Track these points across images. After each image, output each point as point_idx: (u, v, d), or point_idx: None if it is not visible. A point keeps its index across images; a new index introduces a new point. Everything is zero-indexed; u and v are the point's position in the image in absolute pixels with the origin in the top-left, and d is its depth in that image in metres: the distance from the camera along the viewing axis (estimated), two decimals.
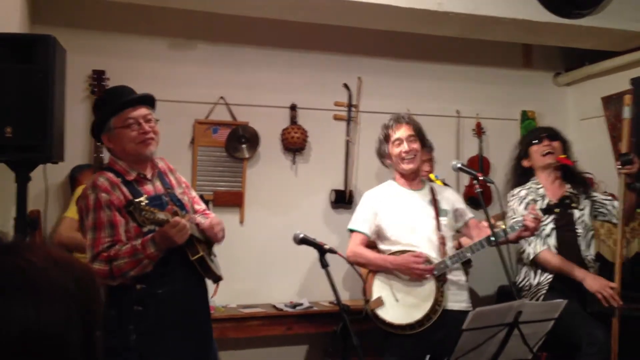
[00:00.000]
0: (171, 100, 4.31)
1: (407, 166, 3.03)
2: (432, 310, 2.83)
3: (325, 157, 4.74)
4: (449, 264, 2.93)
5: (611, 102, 4.78)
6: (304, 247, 2.58)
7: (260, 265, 4.51)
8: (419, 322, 2.82)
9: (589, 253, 3.34)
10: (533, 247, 3.29)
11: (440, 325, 2.82)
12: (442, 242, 2.98)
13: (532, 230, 2.89)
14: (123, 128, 2.49)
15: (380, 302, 2.88)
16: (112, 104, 2.53)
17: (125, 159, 2.54)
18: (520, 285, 3.33)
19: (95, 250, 2.37)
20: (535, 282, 3.28)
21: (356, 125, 4.78)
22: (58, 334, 0.60)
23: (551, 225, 3.31)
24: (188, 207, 2.69)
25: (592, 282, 3.14)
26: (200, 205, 2.85)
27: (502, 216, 3.33)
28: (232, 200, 4.48)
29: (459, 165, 2.90)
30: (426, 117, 4.69)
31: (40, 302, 0.60)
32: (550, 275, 3.25)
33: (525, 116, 5.23)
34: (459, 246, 3.32)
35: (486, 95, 5.16)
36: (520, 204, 3.37)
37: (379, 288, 2.92)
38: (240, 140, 4.44)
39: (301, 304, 4.29)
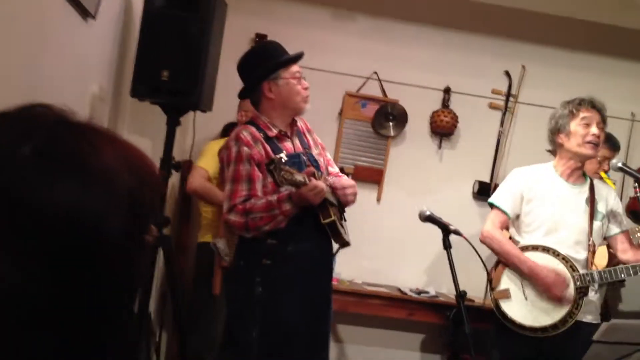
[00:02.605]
0: (325, 70, 4.35)
1: (588, 151, 2.65)
2: (563, 321, 2.56)
3: (474, 146, 4.52)
4: (597, 278, 2.61)
5: None
6: (439, 234, 2.49)
7: (392, 247, 4.43)
8: (544, 329, 2.57)
9: None
10: None
11: (564, 334, 2.56)
12: (592, 250, 2.67)
13: None
14: (293, 80, 2.57)
15: (506, 294, 2.63)
16: (276, 56, 2.61)
17: (274, 113, 2.60)
18: None
19: (232, 202, 2.45)
20: None
21: (512, 116, 4.50)
22: (99, 218, 0.58)
23: None
24: (323, 168, 2.70)
25: None
26: (334, 168, 2.86)
27: None
28: (372, 176, 4.43)
29: (620, 164, 2.60)
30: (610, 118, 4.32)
31: (89, 186, 0.58)
32: None
33: None
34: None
35: None
36: None
37: (509, 279, 2.66)
38: (388, 118, 4.37)
39: (427, 292, 4.16)
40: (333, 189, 2.62)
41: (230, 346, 2.55)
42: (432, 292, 4.15)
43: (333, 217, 2.49)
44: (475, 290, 3.66)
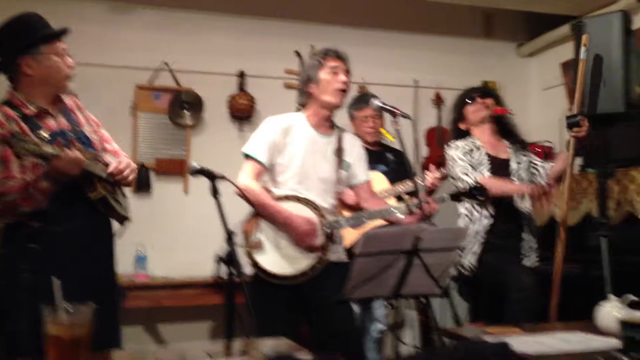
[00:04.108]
0: (111, 66, 4.20)
1: (336, 99, 2.67)
2: (312, 267, 2.57)
3: None
4: (343, 224, 2.67)
5: (570, 68, 4.61)
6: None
7: (205, 236, 4.33)
8: (294, 277, 2.56)
9: (524, 205, 3.18)
10: (473, 176, 3.11)
11: (320, 277, 2.58)
12: (338, 197, 2.77)
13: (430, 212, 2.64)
14: (56, 55, 2.42)
15: (259, 244, 2.58)
16: (36, 30, 2.44)
17: (33, 90, 2.42)
18: None
19: None
20: (472, 230, 3.11)
21: None
22: None
23: (487, 174, 3.15)
24: (97, 146, 2.57)
25: (527, 187, 3.05)
26: (112, 146, 2.73)
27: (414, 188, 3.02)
28: (175, 168, 4.34)
29: (377, 102, 2.72)
30: (382, 86, 4.58)
31: None
32: (488, 222, 3.10)
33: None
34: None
35: (446, 65, 5.02)
36: (457, 151, 3.22)
37: (262, 230, 2.60)
38: (183, 106, 4.31)
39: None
40: (109, 169, 2.50)
41: None
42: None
43: (102, 192, 2.38)
44: None
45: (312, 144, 2.71)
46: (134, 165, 2.64)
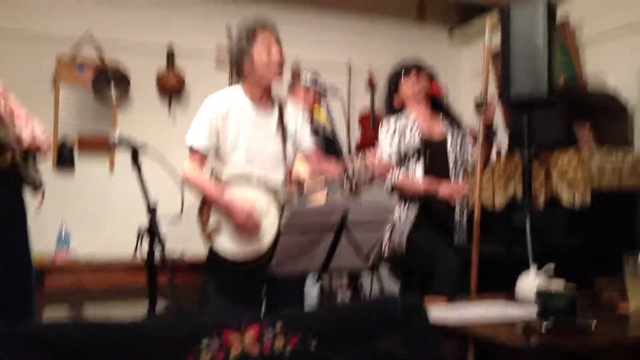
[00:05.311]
0: (29, 32, 3.98)
1: (273, 76, 2.63)
2: (265, 252, 2.51)
3: None
4: (297, 199, 2.66)
5: (499, 56, 4.72)
6: (178, 196, 2.36)
7: (132, 214, 4.19)
8: (245, 262, 2.52)
9: None
10: (393, 177, 3.14)
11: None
12: (288, 170, 2.73)
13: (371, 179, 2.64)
14: None
15: (216, 229, 2.55)
16: None
17: None
18: None
19: None
20: (403, 212, 3.14)
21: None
22: None
23: (417, 163, 3.17)
24: (3, 113, 2.43)
25: (444, 188, 3.07)
26: (20, 113, 2.59)
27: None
28: (100, 145, 4.17)
29: (308, 76, 2.69)
30: (315, 66, 4.54)
31: None
32: (415, 208, 3.13)
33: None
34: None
35: (379, 48, 5.03)
36: (387, 134, 3.22)
37: (217, 215, 2.56)
38: (109, 82, 4.13)
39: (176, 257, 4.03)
40: (18, 137, 2.39)
41: None
42: (181, 254, 4.06)
43: (7, 160, 2.27)
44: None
45: (254, 122, 2.66)
46: (46, 133, 2.55)
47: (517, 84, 3.03)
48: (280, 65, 2.66)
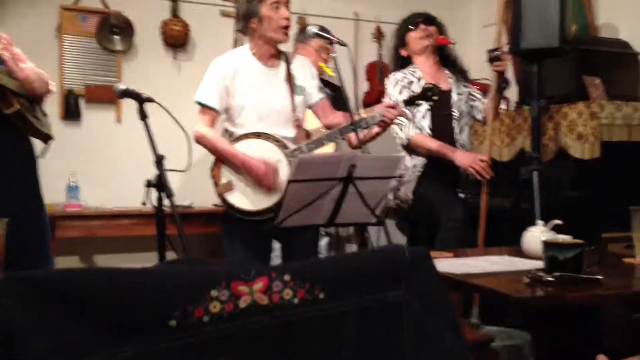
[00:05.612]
0: None
1: (281, 37, 2.62)
2: (278, 204, 2.49)
3: (212, 56, 4.39)
4: (305, 150, 2.62)
5: (509, 6, 4.61)
6: (185, 148, 2.36)
7: (139, 166, 4.21)
8: (260, 212, 2.54)
9: (461, 137, 3.23)
10: (406, 132, 3.13)
11: None
12: (298, 125, 2.73)
13: (386, 125, 2.65)
14: None
15: (229, 186, 2.57)
16: None
17: None
18: None
19: None
20: (410, 164, 3.14)
21: None
22: None
23: (426, 107, 3.15)
24: (10, 63, 2.41)
25: (463, 157, 3.05)
26: (26, 64, 2.56)
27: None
28: (106, 96, 4.13)
29: (315, 29, 2.66)
30: (321, 18, 4.46)
31: None
32: (425, 159, 3.12)
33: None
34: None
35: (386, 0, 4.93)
36: (395, 87, 3.19)
37: (229, 172, 2.58)
38: (113, 30, 4.08)
39: (185, 206, 4.06)
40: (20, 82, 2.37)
41: None
42: (190, 204, 4.10)
43: (16, 106, 2.25)
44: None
45: (262, 78, 2.66)
46: (43, 75, 2.53)
47: (528, 34, 2.97)
48: (288, 28, 2.64)
